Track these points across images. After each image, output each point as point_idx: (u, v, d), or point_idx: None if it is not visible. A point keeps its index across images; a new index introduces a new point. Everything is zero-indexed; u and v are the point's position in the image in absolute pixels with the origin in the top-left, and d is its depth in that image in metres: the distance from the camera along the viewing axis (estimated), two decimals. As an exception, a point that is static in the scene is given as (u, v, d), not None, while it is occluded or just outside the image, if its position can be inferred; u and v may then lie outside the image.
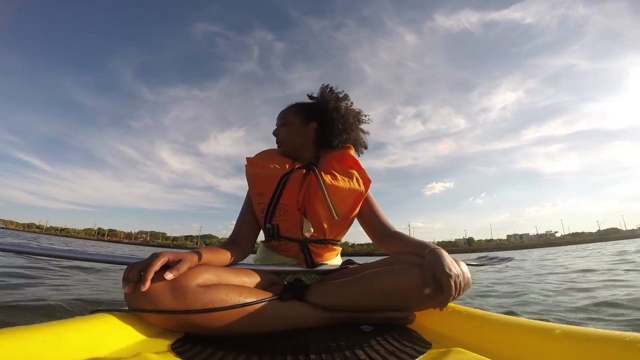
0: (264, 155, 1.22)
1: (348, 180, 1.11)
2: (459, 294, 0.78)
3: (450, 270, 0.77)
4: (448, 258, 0.81)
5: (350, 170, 1.16)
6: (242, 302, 0.75)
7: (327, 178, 1.08)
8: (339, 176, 1.11)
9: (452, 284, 0.76)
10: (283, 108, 1.27)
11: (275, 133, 1.23)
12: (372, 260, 1.05)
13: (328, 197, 1.02)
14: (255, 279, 0.93)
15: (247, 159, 1.17)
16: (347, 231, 1.20)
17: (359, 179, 1.14)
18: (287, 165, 1.11)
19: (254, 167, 1.14)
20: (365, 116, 1.26)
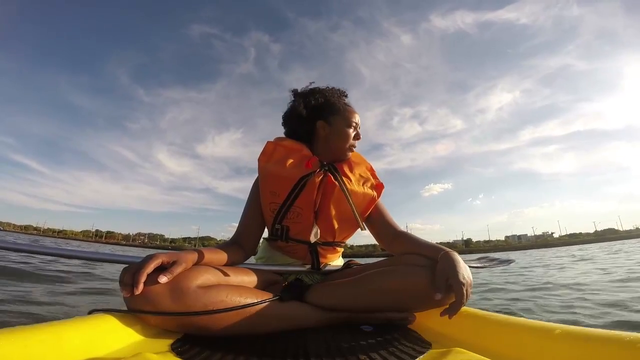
0: (283, 146, 1.10)
1: (363, 185, 1.11)
2: (467, 300, 0.78)
3: (464, 277, 0.77)
4: (462, 264, 0.81)
5: (365, 174, 1.15)
6: (242, 303, 0.75)
7: (345, 182, 1.07)
8: (354, 180, 1.10)
9: (465, 292, 0.76)
10: (350, 105, 1.21)
11: (358, 138, 1.17)
12: (371, 262, 1.05)
13: (354, 207, 1.03)
14: (255, 279, 0.92)
15: (267, 144, 1.10)
16: (353, 234, 1.19)
17: (373, 183, 1.14)
18: (306, 165, 1.05)
19: (270, 161, 1.07)
20: None
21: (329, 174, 1.06)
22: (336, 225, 1.10)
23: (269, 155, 1.08)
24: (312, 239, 1.06)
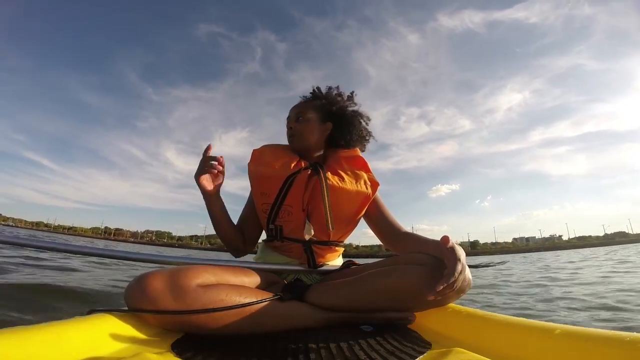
0: (269, 151, 1.17)
1: (356, 183, 1.11)
2: (458, 283, 0.77)
3: (463, 261, 0.78)
4: (463, 253, 0.81)
5: (359, 172, 1.15)
6: (242, 302, 0.75)
7: (335, 179, 1.08)
8: (346, 178, 1.11)
9: (459, 268, 0.76)
10: (295, 103, 1.25)
11: (290, 126, 1.19)
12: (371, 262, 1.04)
13: (328, 207, 1.02)
14: (255, 279, 0.93)
15: (254, 152, 1.15)
16: (351, 233, 1.19)
17: (367, 181, 1.14)
18: (293, 165, 1.09)
19: (258, 165, 1.11)
20: (370, 120, 1.27)
21: (317, 173, 1.07)
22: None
23: (257, 159, 1.12)
24: (306, 236, 1.07)
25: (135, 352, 0.56)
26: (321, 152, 1.22)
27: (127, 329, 0.67)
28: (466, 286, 0.83)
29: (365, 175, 1.15)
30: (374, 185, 1.14)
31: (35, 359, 0.49)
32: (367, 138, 1.26)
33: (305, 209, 1.08)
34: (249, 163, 1.13)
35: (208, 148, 1.05)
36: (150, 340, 0.68)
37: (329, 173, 1.09)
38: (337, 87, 1.26)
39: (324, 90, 1.25)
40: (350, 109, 1.23)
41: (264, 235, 1.21)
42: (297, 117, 1.19)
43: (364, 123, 1.24)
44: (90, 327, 0.61)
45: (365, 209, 1.14)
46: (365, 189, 1.12)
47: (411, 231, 1.13)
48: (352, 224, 1.16)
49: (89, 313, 0.68)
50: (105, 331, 0.62)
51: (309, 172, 1.08)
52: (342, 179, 1.10)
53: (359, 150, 1.23)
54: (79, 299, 1.92)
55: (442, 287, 0.74)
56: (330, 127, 1.21)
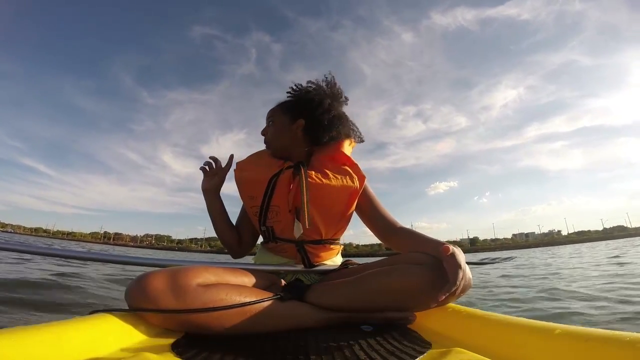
0: (253, 157, 1.20)
1: (341, 178, 1.09)
2: (459, 290, 0.79)
3: (463, 267, 0.79)
4: (463, 258, 0.82)
5: (344, 167, 1.13)
6: (242, 302, 0.76)
7: (318, 177, 1.06)
8: (330, 174, 1.08)
9: (460, 276, 0.77)
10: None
11: (263, 133, 1.22)
12: (372, 261, 1.04)
13: (306, 204, 1.01)
14: (254, 279, 0.92)
15: (237, 163, 1.16)
16: (344, 230, 1.17)
17: (353, 175, 1.11)
18: (276, 166, 1.09)
19: (243, 170, 1.12)
20: (346, 98, 1.21)
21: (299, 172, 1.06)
22: (319, 223, 1.08)
23: (241, 167, 1.14)
24: (296, 234, 1.06)
25: (136, 352, 0.56)
26: (304, 151, 1.18)
27: (128, 329, 0.67)
28: (466, 286, 0.83)
29: (350, 170, 1.13)
30: (361, 178, 1.12)
31: (35, 359, 0.49)
32: (341, 126, 1.17)
33: (292, 208, 1.07)
34: (234, 170, 1.14)
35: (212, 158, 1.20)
36: (150, 340, 0.68)
37: (313, 171, 1.07)
38: (318, 80, 1.19)
39: (305, 84, 1.19)
40: (318, 99, 1.13)
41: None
42: (268, 122, 1.21)
43: (333, 111, 1.15)
44: (91, 327, 0.61)
45: (354, 204, 1.12)
46: (351, 183, 1.09)
47: (407, 226, 1.12)
48: (343, 221, 1.13)
49: (89, 313, 0.68)
50: (105, 331, 0.62)
51: (291, 172, 1.08)
52: (325, 175, 1.07)
53: (345, 144, 1.19)
54: (79, 298, 1.92)
55: (444, 296, 0.76)
56: (302, 124, 1.15)
